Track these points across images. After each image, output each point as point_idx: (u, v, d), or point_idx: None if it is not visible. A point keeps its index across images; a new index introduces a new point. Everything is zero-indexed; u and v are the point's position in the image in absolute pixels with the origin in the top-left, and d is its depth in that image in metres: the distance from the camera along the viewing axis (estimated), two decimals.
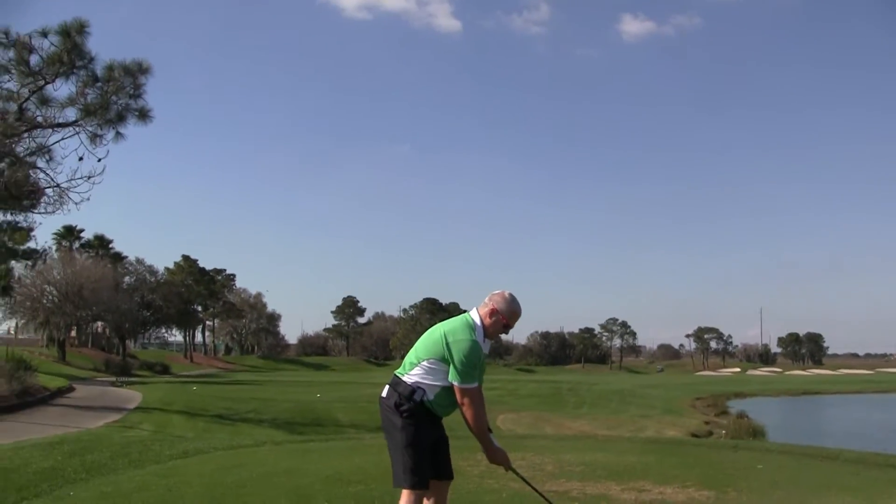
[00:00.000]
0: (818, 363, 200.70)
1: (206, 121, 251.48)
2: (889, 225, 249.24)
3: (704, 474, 11.55)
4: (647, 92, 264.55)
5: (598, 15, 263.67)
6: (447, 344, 6.02)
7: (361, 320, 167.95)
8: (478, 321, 6.23)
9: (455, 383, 6.00)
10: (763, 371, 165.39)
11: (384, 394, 6.25)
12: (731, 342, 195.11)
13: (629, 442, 17.91)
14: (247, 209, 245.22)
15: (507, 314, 6.29)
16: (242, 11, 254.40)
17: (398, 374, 6.25)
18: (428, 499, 6.13)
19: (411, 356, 6.25)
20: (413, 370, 6.14)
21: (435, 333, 6.22)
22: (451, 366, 5.99)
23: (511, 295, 6.36)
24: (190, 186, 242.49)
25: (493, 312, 6.27)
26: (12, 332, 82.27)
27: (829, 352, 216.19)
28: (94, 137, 25.66)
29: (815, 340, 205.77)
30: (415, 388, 6.06)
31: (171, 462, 13.08)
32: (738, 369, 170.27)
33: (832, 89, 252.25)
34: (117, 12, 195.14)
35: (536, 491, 7.00)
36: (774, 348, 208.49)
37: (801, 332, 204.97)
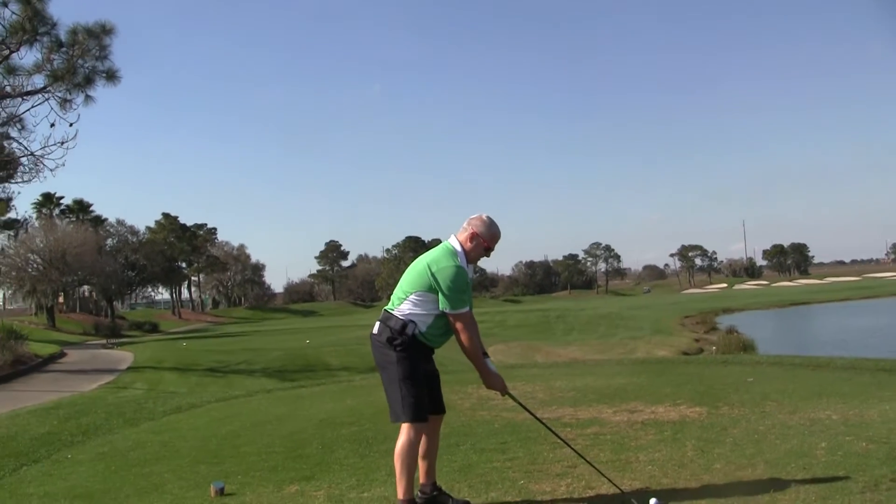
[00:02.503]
0: (805, 273, 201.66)
1: (176, 76, 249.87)
2: (866, 127, 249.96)
3: (695, 391, 11.61)
4: (613, 11, 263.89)
5: None
6: (432, 274, 6.00)
7: (345, 264, 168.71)
8: (458, 247, 6.20)
9: (447, 310, 5.99)
10: (750, 285, 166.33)
11: (375, 330, 6.21)
12: (715, 258, 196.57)
13: (619, 365, 17.94)
14: (223, 162, 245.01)
15: (486, 237, 6.26)
16: None
17: (388, 310, 6.21)
18: (423, 433, 6.13)
19: (398, 291, 6.21)
20: (402, 305, 6.11)
21: (419, 265, 6.19)
22: (440, 294, 5.97)
23: (489, 217, 6.32)
24: (165, 144, 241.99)
25: (473, 237, 6.23)
26: (0, 302, 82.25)
27: (815, 261, 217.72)
28: (64, 103, 25.53)
29: (800, 251, 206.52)
30: (406, 322, 6.03)
31: (165, 418, 13.08)
32: (725, 285, 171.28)
33: None
34: None
35: (532, 415, 6.98)
36: (760, 261, 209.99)
37: (786, 244, 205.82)
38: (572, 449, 7.05)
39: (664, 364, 18.04)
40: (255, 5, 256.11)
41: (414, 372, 6.03)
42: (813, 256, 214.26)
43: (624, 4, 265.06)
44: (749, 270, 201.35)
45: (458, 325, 6.06)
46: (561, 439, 7.08)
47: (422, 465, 6.26)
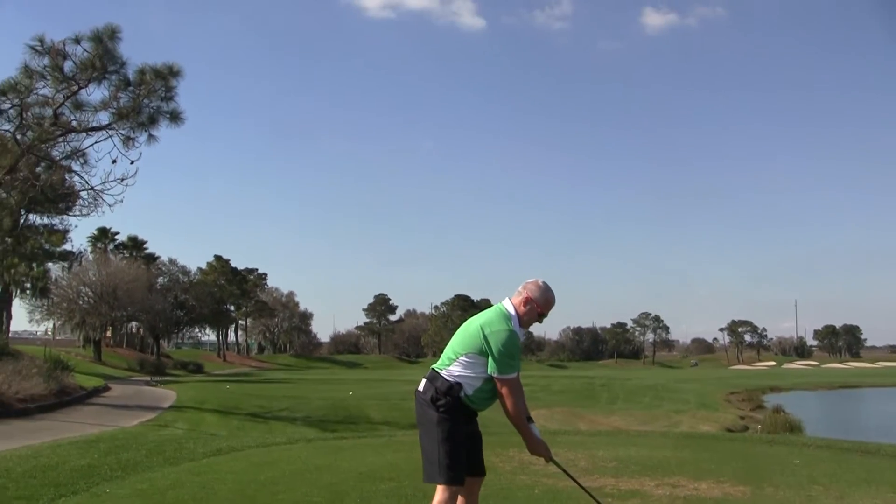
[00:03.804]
0: (856, 356, 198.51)
1: (236, 122, 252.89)
2: None
3: (740, 469, 11.47)
4: (672, 83, 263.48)
5: (620, 8, 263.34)
6: (485, 336, 5.96)
7: (393, 318, 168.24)
8: (512, 311, 6.16)
9: (494, 374, 5.94)
10: (799, 364, 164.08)
11: (421, 388, 6.19)
12: (765, 335, 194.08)
13: (663, 437, 17.82)
14: (278, 209, 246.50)
15: (541, 303, 6.23)
16: (268, 14, 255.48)
17: (436, 369, 6.19)
18: (460, 495, 6.08)
19: (448, 351, 6.18)
20: (451, 365, 6.08)
21: (471, 327, 6.15)
22: (490, 357, 5.92)
23: (545, 283, 6.29)
24: (221, 187, 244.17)
25: (527, 301, 6.20)
26: (50, 332, 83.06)
27: (867, 344, 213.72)
28: (127, 140, 25.90)
29: (852, 332, 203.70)
30: (453, 384, 5.99)
31: (205, 460, 13.10)
32: (774, 363, 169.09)
33: (861, 76, 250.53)
34: (148, 14, 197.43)
35: (576, 482, 6.92)
36: (810, 341, 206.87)
37: (838, 324, 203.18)
38: None
39: (708, 439, 17.86)
40: (311, 59, 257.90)
41: (454, 434, 5.97)
42: (865, 339, 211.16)
43: (680, 78, 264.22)
44: (799, 350, 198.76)
45: (504, 390, 6.01)
46: None
47: None
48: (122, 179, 25.86)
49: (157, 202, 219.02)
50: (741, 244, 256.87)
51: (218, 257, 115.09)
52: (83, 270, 72.60)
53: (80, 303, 71.43)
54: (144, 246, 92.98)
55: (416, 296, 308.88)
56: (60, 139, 26.72)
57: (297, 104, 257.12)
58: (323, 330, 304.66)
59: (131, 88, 25.67)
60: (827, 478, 10.69)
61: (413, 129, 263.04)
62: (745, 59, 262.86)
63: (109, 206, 27.52)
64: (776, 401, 57.62)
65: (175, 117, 26.26)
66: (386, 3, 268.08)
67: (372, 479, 10.62)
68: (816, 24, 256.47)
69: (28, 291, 65.95)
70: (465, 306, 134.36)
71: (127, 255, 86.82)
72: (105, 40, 24.56)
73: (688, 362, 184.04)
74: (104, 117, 25.92)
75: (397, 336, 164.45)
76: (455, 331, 6.40)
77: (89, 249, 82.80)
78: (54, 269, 68.48)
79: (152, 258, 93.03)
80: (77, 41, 24.35)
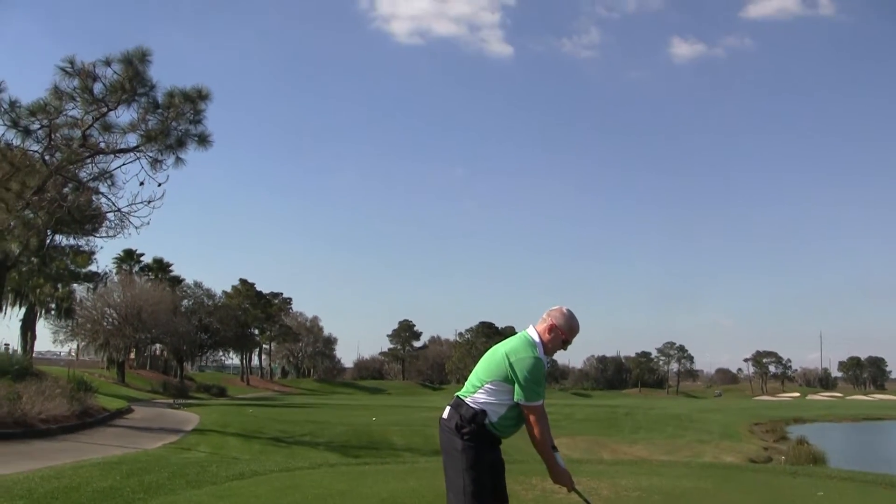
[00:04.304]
0: (881, 388, 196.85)
1: (263, 145, 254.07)
2: None
3: (763, 501, 11.39)
4: (699, 114, 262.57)
5: (648, 38, 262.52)
6: (510, 364, 5.97)
7: (417, 344, 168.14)
8: (537, 338, 6.18)
9: (521, 402, 5.95)
10: (823, 396, 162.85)
11: (445, 415, 6.19)
12: (790, 366, 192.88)
13: (686, 467, 17.69)
14: (304, 233, 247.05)
15: (565, 329, 6.26)
16: (297, 39, 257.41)
17: (460, 396, 6.20)
18: None
19: (473, 378, 6.19)
20: (476, 393, 6.08)
21: (496, 354, 6.16)
22: (516, 384, 5.94)
23: (569, 310, 6.33)
24: (247, 211, 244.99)
25: (551, 328, 6.22)
26: (74, 353, 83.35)
27: (892, 376, 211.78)
28: (155, 163, 26.00)
29: (877, 364, 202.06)
30: (477, 412, 6.00)
31: (228, 483, 13.09)
32: (798, 394, 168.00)
33: (890, 107, 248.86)
34: (179, 39, 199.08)
35: None
36: (835, 373, 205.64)
37: (863, 356, 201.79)
38: None
39: (731, 470, 17.75)
40: (339, 84, 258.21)
41: (478, 462, 5.97)
42: (890, 371, 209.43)
43: (708, 108, 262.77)
44: (823, 381, 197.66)
45: (532, 418, 6.02)
46: None
47: None
48: (150, 202, 25.95)
49: (183, 224, 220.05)
50: (767, 275, 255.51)
51: (243, 281, 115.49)
52: (108, 292, 72.81)
53: (105, 324, 71.60)
54: (170, 268, 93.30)
55: (441, 322, 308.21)
56: (88, 161, 26.85)
57: (325, 129, 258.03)
58: (347, 355, 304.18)
59: (160, 111, 25.80)
60: None
61: (442, 155, 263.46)
62: (773, 89, 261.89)
63: (136, 227, 27.59)
64: (800, 432, 57.22)
65: (203, 140, 26.36)
66: (414, 30, 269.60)
67: None
68: (845, 56, 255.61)
69: (53, 312, 66.51)
70: (490, 333, 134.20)
71: (152, 277, 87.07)
72: (135, 63, 24.71)
73: (712, 392, 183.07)
74: (132, 139, 26.05)
75: (421, 362, 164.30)
76: (479, 358, 6.41)
77: (115, 271, 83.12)
78: (79, 290, 69.08)
79: (177, 280, 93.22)
80: (107, 63, 24.51)
